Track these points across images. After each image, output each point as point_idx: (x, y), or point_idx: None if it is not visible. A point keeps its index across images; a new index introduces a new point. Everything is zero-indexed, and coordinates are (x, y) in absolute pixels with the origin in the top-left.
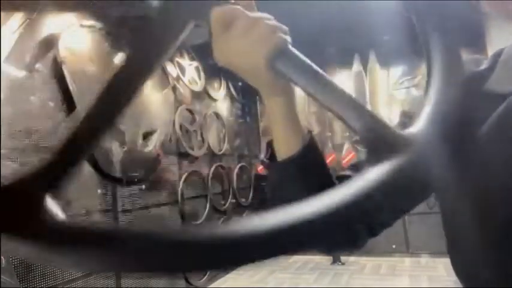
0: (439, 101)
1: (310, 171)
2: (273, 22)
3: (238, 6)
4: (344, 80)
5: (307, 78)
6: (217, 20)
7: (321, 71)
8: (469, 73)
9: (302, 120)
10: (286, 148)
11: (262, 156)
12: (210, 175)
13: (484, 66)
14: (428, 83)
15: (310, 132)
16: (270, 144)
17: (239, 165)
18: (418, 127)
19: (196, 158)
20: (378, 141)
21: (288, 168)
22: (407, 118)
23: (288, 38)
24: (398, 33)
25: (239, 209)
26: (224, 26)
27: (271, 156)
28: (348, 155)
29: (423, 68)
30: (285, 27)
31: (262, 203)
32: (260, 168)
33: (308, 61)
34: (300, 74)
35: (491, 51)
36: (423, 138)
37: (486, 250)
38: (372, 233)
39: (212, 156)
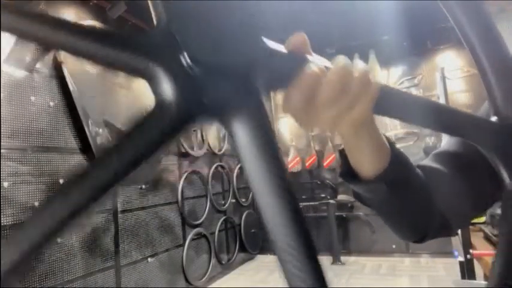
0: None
1: (398, 181)
2: (354, 69)
3: (311, 69)
4: None
5: (410, 110)
6: (293, 96)
7: (420, 96)
8: None
9: None
10: (374, 167)
11: (339, 169)
12: (210, 175)
13: None
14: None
15: (393, 144)
16: (342, 155)
17: (239, 165)
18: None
19: (197, 158)
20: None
21: (378, 184)
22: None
23: (377, 82)
24: (398, 33)
25: (239, 209)
26: (305, 100)
27: (347, 166)
28: None
29: (423, 68)
30: (364, 67)
31: None
32: None
33: (404, 92)
34: (405, 108)
35: None
36: None
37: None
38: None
39: (212, 156)
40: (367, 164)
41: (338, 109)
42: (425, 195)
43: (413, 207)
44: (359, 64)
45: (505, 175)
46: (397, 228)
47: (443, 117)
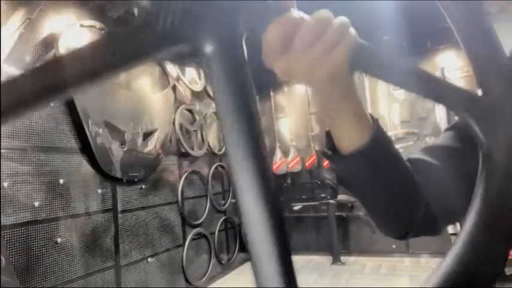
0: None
1: (380, 159)
2: (334, 19)
3: (291, 14)
4: None
5: (389, 68)
6: (273, 37)
7: (401, 58)
8: None
9: (303, 120)
10: (355, 141)
11: (324, 147)
12: (210, 175)
13: None
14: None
15: (376, 120)
16: (328, 135)
17: None
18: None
19: (197, 158)
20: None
21: (359, 161)
22: None
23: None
24: (398, 33)
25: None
26: (283, 42)
27: (332, 146)
28: None
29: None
30: (344, 19)
31: None
32: None
33: (383, 50)
34: (382, 66)
35: None
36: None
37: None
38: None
39: (212, 156)
40: (348, 137)
41: (314, 54)
42: (410, 184)
43: (395, 195)
44: (342, 18)
45: (481, 136)
46: (379, 220)
47: (422, 80)
